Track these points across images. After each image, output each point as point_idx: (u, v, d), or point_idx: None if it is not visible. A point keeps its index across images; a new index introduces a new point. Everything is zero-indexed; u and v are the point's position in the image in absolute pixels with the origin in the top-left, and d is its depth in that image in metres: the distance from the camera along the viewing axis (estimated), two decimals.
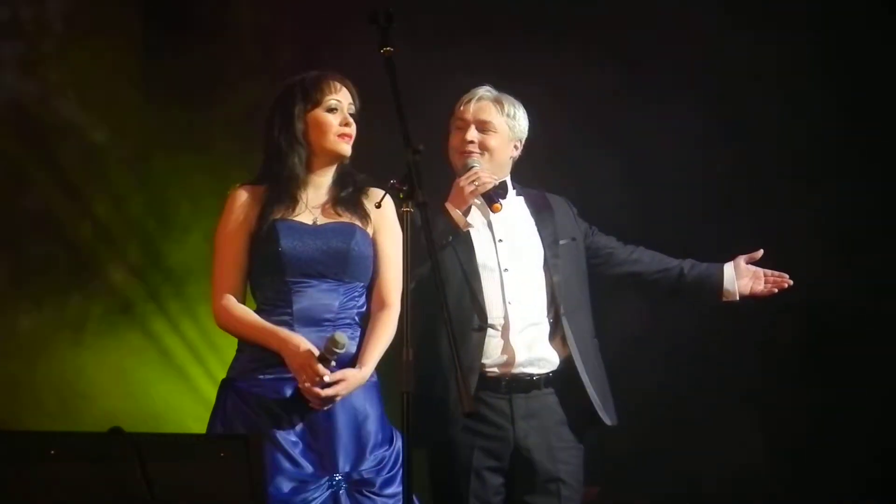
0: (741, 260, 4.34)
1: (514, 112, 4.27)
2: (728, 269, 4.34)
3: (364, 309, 3.68)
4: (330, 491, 3.48)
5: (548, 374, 4.14)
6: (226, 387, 3.62)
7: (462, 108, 4.27)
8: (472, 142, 4.22)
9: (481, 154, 4.22)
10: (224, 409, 3.56)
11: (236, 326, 3.62)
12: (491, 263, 4.15)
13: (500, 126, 4.24)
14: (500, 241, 4.18)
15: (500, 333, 4.11)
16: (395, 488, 3.53)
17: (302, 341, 3.51)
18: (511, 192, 4.30)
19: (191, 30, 5.54)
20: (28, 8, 5.45)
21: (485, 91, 4.29)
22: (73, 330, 5.31)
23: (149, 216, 5.59)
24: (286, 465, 3.46)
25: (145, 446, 2.91)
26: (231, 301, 3.62)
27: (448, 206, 4.11)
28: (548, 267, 4.19)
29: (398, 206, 3.30)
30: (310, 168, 3.70)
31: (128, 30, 5.62)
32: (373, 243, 3.70)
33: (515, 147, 4.31)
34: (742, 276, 4.32)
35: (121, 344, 5.40)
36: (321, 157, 3.70)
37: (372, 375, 3.64)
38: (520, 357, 4.11)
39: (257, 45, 5.64)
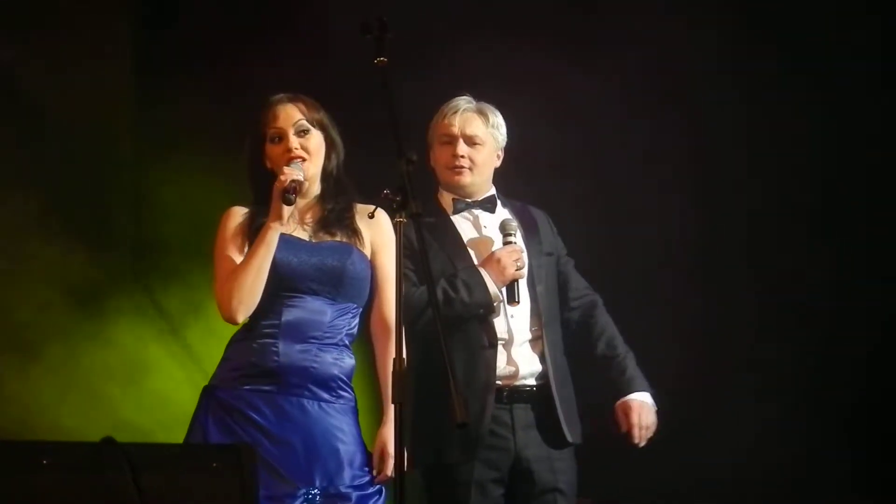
0: (634, 404, 4.21)
1: (497, 121, 4.27)
2: (628, 400, 4.24)
3: (355, 331, 3.71)
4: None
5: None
6: (207, 394, 3.66)
7: (446, 121, 4.25)
8: (462, 156, 4.21)
9: (471, 170, 4.22)
10: (205, 416, 3.60)
11: (240, 282, 3.56)
12: None
13: (486, 138, 4.25)
14: None
15: (504, 347, 4.12)
16: None
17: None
18: (499, 204, 4.31)
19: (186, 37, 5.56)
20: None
21: (467, 103, 4.27)
22: (64, 338, 5.31)
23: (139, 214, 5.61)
24: (265, 474, 3.46)
25: (137, 456, 2.90)
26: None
27: (485, 273, 4.10)
28: (531, 277, 4.19)
29: (391, 217, 3.30)
30: None
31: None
32: (371, 264, 3.72)
33: (498, 157, 4.33)
34: (625, 414, 4.23)
35: (111, 350, 5.40)
36: None
37: (352, 399, 3.67)
38: (522, 370, 4.12)
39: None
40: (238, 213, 3.73)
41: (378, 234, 3.73)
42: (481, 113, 4.26)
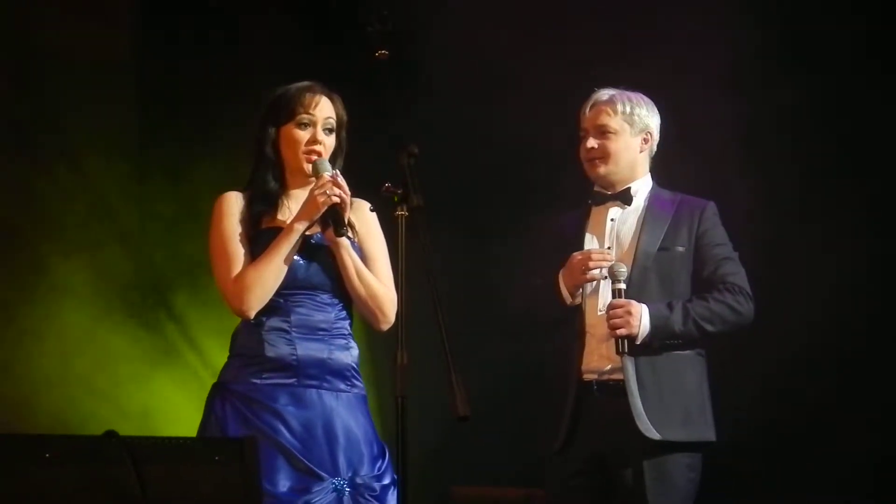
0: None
1: (630, 108, 4.22)
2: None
3: (352, 318, 3.75)
4: (335, 493, 3.51)
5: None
6: (219, 390, 3.65)
7: (582, 115, 4.27)
8: (592, 148, 4.22)
9: (603, 160, 4.21)
10: (220, 413, 3.60)
11: (263, 279, 3.58)
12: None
13: (617, 126, 4.21)
14: (608, 248, 4.19)
15: (590, 341, 4.15)
16: (390, 497, 3.59)
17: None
18: (643, 195, 4.24)
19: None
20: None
21: (600, 94, 4.26)
22: (63, 332, 5.33)
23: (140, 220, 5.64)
24: (289, 466, 3.51)
25: (139, 449, 2.90)
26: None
27: (562, 279, 4.12)
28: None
29: (392, 210, 3.31)
30: (287, 182, 3.74)
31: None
32: (360, 251, 3.73)
33: (645, 140, 4.26)
34: None
35: (114, 347, 5.41)
36: (294, 172, 3.73)
37: (363, 389, 3.71)
38: (602, 364, 4.12)
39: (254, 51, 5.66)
40: (234, 200, 3.72)
41: (362, 222, 3.74)
42: (610, 102, 4.23)
